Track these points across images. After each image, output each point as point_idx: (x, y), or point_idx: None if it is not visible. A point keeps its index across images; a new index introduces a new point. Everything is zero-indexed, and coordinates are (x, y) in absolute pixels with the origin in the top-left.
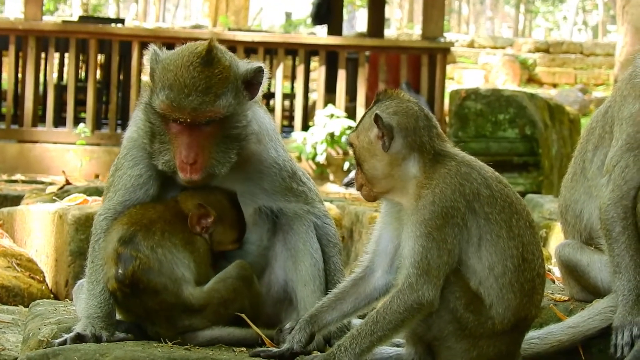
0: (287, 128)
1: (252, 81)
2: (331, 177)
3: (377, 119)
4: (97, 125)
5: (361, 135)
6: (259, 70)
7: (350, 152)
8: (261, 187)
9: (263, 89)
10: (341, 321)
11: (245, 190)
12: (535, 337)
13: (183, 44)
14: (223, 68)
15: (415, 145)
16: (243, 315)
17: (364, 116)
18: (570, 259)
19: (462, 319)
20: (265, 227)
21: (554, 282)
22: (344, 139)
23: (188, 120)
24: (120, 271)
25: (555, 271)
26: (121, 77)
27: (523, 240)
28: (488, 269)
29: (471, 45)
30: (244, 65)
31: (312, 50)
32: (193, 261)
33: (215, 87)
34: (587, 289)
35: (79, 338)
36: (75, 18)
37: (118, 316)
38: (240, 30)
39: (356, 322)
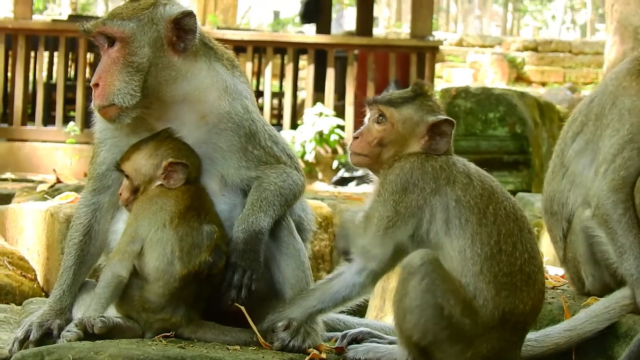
0: (276, 127)
1: (181, 25)
2: (320, 175)
3: (440, 125)
4: (87, 123)
5: (407, 123)
6: (187, 14)
7: (374, 116)
8: (218, 147)
9: (198, 36)
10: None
11: (204, 153)
12: (532, 340)
13: None
14: (145, 3)
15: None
16: (243, 309)
17: (407, 99)
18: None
19: (458, 324)
20: (237, 200)
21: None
22: (332, 137)
23: (85, 30)
24: (211, 260)
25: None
26: None
27: (500, 229)
28: (458, 252)
29: (460, 43)
30: (176, 8)
31: (300, 49)
32: None
33: (124, 14)
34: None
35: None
36: (64, 17)
37: (112, 311)
38: (229, 28)
39: (348, 318)
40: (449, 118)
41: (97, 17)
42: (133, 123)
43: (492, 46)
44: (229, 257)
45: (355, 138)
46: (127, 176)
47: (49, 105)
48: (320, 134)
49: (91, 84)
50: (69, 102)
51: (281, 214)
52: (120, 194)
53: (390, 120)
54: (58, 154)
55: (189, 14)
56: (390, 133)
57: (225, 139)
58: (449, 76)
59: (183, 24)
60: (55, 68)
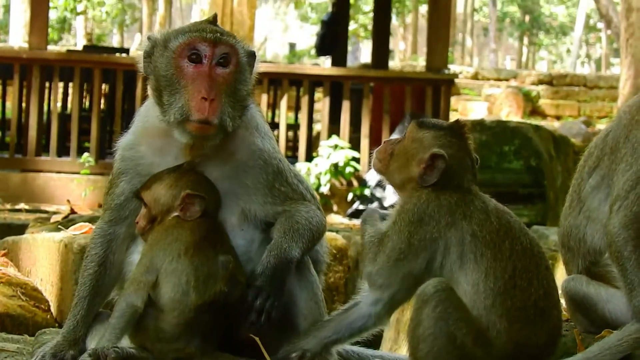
0: (291, 159)
1: (250, 61)
2: (335, 208)
3: (439, 158)
4: (101, 154)
5: (415, 143)
6: (254, 54)
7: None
8: (243, 184)
9: (255, 75)
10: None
11: (228, 188)
12: None
13: None
14: (230, 32)
15: (445, 185)
16: (257, 339)
17: (436, 127)
18: (577, 292)
19: (470, 354)
20: (256, 235)
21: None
22: (348, 169)
23: (211, 39)
24: (227, 290)
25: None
26: (125, 106)
27: (516, 264)
28: (471, 286)
29: (475, 77)
30: (247, 45)
31: (316, 81)
32: None
33: (229, 34)
34: (595, 323)
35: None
36: (79, 47)
37: (126, 341)
38: None
39: (362, 350)
40: (444, 154)
41: (113, 48)
42: (167, 148)
43: (507, 79)
44: (253, 280)
45: (384, 142)
46: (145, 205)
47: (64, 136)
48: (336, 166)
49: (205, 96)
50: (84, 132)
51: (307, 249)
52: (137, 222)
53: (407, 135)
54: (72, 184)
55: (254, 54)
56: (401, 146)
57: (253, 176)
58: (464, 109)
59: (253, 63)
60: (69, 99)
